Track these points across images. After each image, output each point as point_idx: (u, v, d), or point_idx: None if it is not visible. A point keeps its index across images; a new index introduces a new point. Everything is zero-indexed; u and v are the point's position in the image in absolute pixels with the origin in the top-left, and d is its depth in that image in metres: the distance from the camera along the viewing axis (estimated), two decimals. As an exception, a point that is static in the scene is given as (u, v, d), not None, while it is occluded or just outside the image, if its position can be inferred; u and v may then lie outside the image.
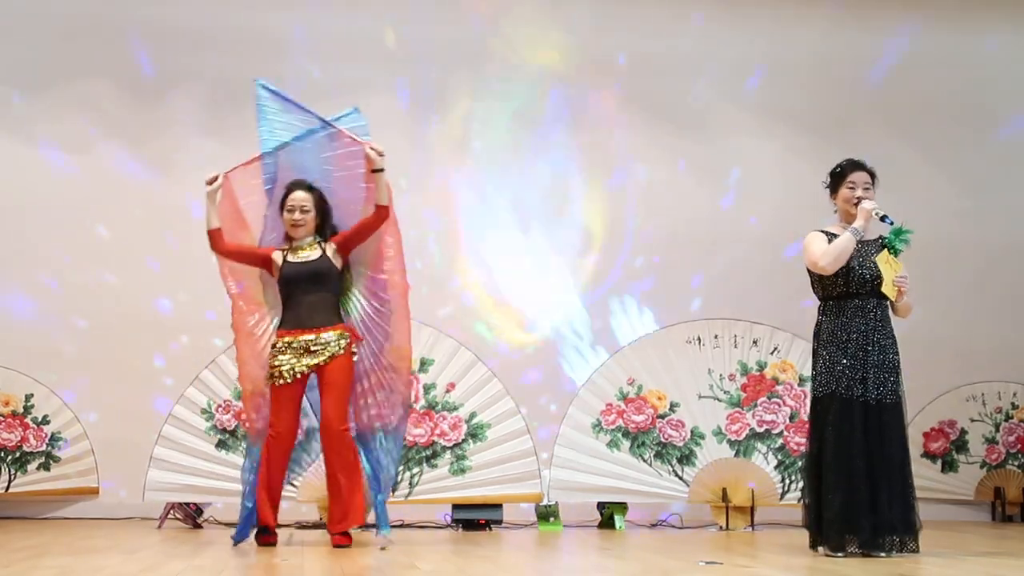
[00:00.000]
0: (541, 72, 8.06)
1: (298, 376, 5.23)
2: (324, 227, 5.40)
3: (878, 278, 4.98)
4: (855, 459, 4.81)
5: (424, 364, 6.75)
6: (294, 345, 5.23)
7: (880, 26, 8.43)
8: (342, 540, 5.21)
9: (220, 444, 6.54)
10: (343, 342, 5.26)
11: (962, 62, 8.50)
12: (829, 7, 8.36)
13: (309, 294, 5.27)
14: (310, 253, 5.34)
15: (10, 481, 7.16)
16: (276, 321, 5.40)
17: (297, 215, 5.32)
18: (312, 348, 5.22)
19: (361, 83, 7.92)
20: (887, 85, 8.39)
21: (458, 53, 8.02)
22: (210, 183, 5.34)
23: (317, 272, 5.30)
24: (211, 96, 7.73)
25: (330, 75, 7.86)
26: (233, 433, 6.53)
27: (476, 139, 8.04)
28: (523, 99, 8.06)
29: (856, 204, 5.04)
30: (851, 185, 5.08)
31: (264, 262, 5.39)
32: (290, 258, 5.34)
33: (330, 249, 5.35)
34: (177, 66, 7.73)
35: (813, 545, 4.99)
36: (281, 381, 5.23)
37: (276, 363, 5.25)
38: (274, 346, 5.31)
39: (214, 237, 5.37)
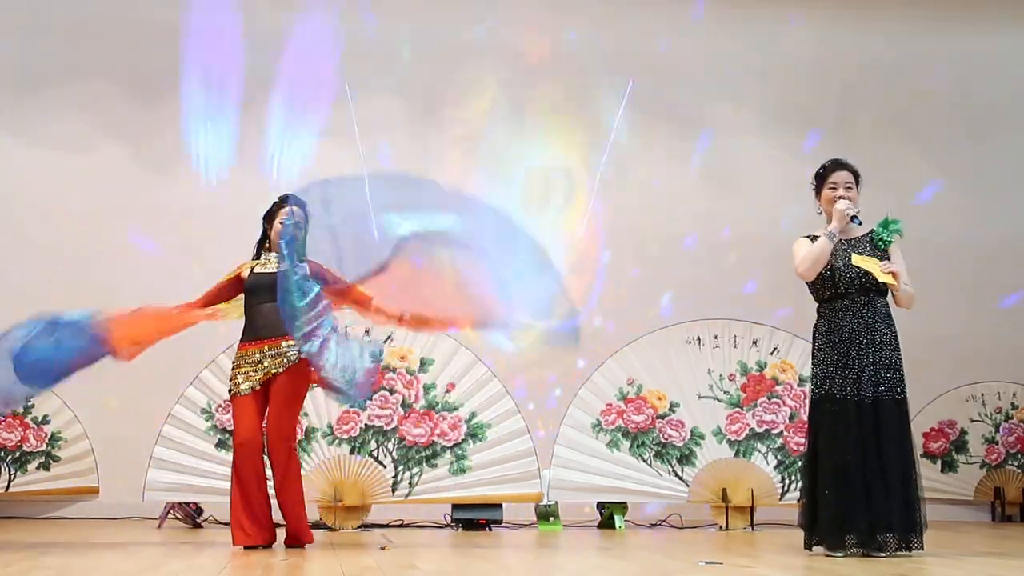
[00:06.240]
0: (542, 71, 8.07)
1: (256, 388, 5.19)
2: (303, 244, 5.37)
3: (865, 275, 4.96)
4: (849, 458, 4.79)
5: (424, 364, 6.75)
6: (252, 358, 5.21)
7: (880, 26, 8.43)
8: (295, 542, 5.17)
9: (220, 444, 6.53)
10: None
11: (962, 62, 8.50)
12: (830, 7, 8.37)
13: (267, 302, 5.20)
14: (276, 266, 5.28)
15: (10, 481, 7.16)
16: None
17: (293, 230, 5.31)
18: (267, 357, 5.20)
19: (363, 82, 7.93)
20: (887, 85, 8.40)
21: (459, 51, 8.03)
22: None
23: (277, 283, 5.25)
24: (210, 96, 7.72)
25: (330, 75, 7.86)
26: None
27: (479, 137, 8.04)
28: (527, 97, 8.08)
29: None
30: (832, 185, 5.08)
31: (237, 286, 5.37)
32: (256, 269, 5.34)
33: (300, 270, 5.26)
34: (176, 66, 7.72)
35: (807, 545, 4.97)
36: (237, 391, 5.21)
37: (233, 374, 5.26)
38: (235, 358, 5.31)
39: (190, 307, 5.35)
